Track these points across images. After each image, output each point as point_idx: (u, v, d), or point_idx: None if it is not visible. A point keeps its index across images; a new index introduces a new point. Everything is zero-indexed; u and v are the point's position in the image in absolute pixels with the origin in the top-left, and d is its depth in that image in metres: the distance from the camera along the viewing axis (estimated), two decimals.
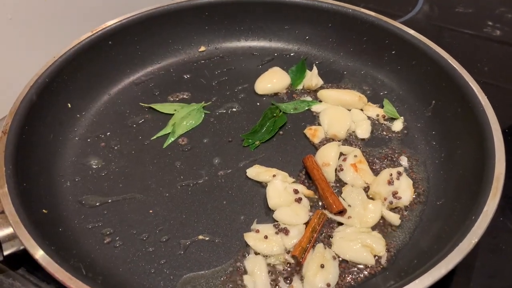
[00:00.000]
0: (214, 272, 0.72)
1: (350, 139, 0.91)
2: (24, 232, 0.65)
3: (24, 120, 0.80)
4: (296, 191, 0.79)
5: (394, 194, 0.78)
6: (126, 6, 1.05)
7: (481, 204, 0.67)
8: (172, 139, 0.92)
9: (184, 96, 1.02)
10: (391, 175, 0.80)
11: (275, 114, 0.96)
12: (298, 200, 0.78)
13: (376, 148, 0.89)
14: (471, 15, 1.37)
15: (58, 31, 1.10)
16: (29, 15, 1.06)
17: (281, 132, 0.93)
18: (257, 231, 0.74)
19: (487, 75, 1.14)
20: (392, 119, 0.95)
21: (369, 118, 0.95)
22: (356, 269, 0.71)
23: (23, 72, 0.93)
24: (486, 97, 0.82)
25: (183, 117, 0.96)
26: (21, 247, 0.67)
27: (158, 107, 0.98)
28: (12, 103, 0.82)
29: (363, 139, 0.91)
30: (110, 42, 0.99)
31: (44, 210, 0.75)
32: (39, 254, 0.63)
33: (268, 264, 0.72)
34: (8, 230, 0.67)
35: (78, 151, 0.89)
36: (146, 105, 0.98)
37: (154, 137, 0.92)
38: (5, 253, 0.68)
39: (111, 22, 1.00)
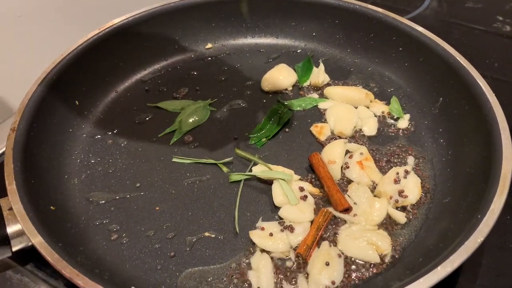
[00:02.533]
0: (219, 268, 0.72)
1: (356, 137, 0.91)
2: (32, 229, 0.65)
3: (32, 117, 0.81)
4: (301, 189, 0.80)
5: (400, 192, 0.78)
6: (133, 4, 1.06)
7: (488, 202, 0.66)
8: (179, 136, 0.92)
9: (191, 93, 1.02)
10: (397, 173, 0.79)
11: (280, 111, 0.96)
12: (304, 197, 0.78)
13: (383, 146, 0.89)
14: (481, 11, 1.36)
15: (65, 29, 1.11)
16: (37, 13, 1.07)
17: (287, 130, 0.93)
18: (263, 228, 0.75)
19: (497, 71, 1.13)
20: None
21: (375, 115, 0.95)
22: (361, 267, 0.71)
23: (31, 69, 0.94)
24: (494, 94, 0.81)
25: (189, 114, 0.96)
26: (29, 243, 0.68)
27: (165, 105, 0.98)
28: (20, 101, 0.83)
29: (369, 137, 0.91)
30: (117, 40, 1.00)
31: (52, 207, 0.76)
32: (46, 251, 0.63)
33: (273, 261, 0.72)
34: (17, 227, 0.68)
35: (86, 148, 0.90)
36: (153, 104, 0.99)
37: (162, 134, 0.93)
38: (14, 249, 0.69)
39: (118, 20, 1.00)
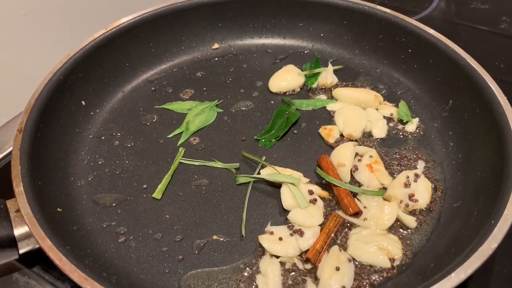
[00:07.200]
0: (227, 271, 0.71)
1: (365, 139, 0.90)
2: (40, 231, 0.65)
3: (39, 118, 0.80)
4: (311, 192, 0.79)
5: (411, 196, 0.77)
6: (140, 3, 1.05)
7: (501, 207, 0.65)
8: (186, 137, 0.92)
9: (197, 94, 1.01)
10: (407, 177, 0.79)
11: (287, 112, 0.95)
12: (313, 201, 0.77)
13: (392, 149, 0.88)
14: (487, 11, 1.35)
15: (72, 28, 1.10)
16: (43, 12, 1.06)
17: (295, 131, 0.92)
18: (272, 233, 0.74)
19: (504, 72, 1.13)
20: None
21: (384, 117, 0.94)
22: (371, 272, 0.70)
23: (38, 69, 0.93)
24: (505, 97, 0.80)
25: (196, 114, 0.96)
26: (37, 246, 0.67)
27: (172, 106, 0.98)
28: (26, 101, 0.82)
29: (379, 139, 0.90)
30: (124, 39, 0.99)
31: (59, 209, 0.75)
32: (54, 254, 0.63)
33: (282, 266, 0.71)
34: (24, 229, 0.68)
35: (92, 149, 0.89)
36: (160, 107, 0.98)
37: (171, 135, 0.92)
38: (21, 251, 0.69)
39: (125, 19, 0.99)
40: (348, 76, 1.04)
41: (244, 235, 0.76)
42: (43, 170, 0.77)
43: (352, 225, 0.76)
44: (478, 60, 0.88)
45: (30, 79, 0.93)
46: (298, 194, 0.77)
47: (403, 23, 0.99)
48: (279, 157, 0.88)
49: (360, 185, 0.81)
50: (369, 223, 0.75)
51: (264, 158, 0.87)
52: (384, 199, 0.78)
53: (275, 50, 1.12)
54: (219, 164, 0.86)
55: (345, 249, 0.73)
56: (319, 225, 0.75)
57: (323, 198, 0.79)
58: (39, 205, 0.69)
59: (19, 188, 0.69)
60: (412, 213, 0.77)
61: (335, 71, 1.03)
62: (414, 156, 0.86)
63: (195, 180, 0.84)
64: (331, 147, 0.89)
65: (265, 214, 0.79)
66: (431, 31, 0.96)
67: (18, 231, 0.68)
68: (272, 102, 0.99)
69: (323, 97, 0.99)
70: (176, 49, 1.08)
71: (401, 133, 0.91)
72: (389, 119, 0.94)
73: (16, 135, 0.76)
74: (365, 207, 0.77)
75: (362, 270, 0.70)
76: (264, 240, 0.73)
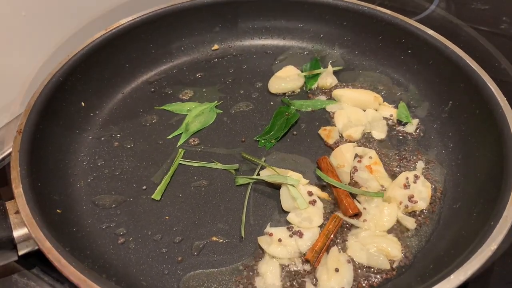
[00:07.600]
0: (226, 273, 0.71)
1: (365, 140, 0.90)
2: (39, 233, 0.65)
3: (38, 119, 0.81)
4: (310, 193, 0.79)
5: (410, 198, 0.77)
6: (140, 4, 1.05)
7: (501, 209, 0.65)
8: (185, 138, 0.92)
9: (197, 95, 1.01)
10: (407, 178, 0.78)
11: (287, 113, 0.95)
12: (313, 202, 0.77)
13: (392, 150, 0.88)
14: (488, 12, 1.35)
15: (72, 29, 1.10)
16: (43, 13, 1.06)
17: (295, 132, 0.92)
18: (271, 234, 0.74)
19: (504, 73, 1.12)
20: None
21: (384, 118, 0.94)
22: (371, 273, 0.70)
23: (37, 70, 0.93)
24: (505, 98, 0.80)
25: (196, 116, 0.96)
26: (36, 247, 0.67)
27: (171, 107, 0.98)
28: (26, 102, 0.82)
29: (378, 140, 0.90)
30: (123, 41, 0.99)
31: (58, 210, 0.75)
32: (53, 256, 0.63)
33: (281, 267, 0.71)
34: (23, 231, 0.67)
35: (92, 151, 0.89)
36: (159, 108, 0.98)
37: (170, 136, 0.92)
38: (20, 253, 0.69)
39: (125, 20, 1.00)
40: (348, 77, 1.04)
41: (243, 236, 0.76)
42: (43, 171, 0.78)
43: (351, 227, 0.76)
44: (478, 60, 0.88)
45: (29, 80, 0.93)
46: (297, 195, 0.77)
47: (403, 24, 0.99)
48: (279, 158, 0.88)
49: (359, 186, 0.81)
50: (369, 225, 0.75)
51: (263, 159, 0.87)
52: (384, 200, 0.78)
53: (275, 51, 1.12)
54: (218, 165, 0.86)
55: (344, 250, 0.73)
56: (318, 227, 0.75)
57: (322, 200, 0.79)
58: (38, 206, 0.69)
59: (18, 189, 0.69)
60: (412, 214, 0.77)
61: (334, 72, 1.03)
62: (414, 157, 0.86)
63: (194, 181, 0.84)
64: (331, 148, 0.88)
65: (265, 216, 0.79)
66: (431, 32, 0.96)
67: (18, 232, 0.68)
68: (271, 103, 0.99)
69: (322, 98, 0.99)
70: (175, 50, 1.08)
71: (400, 134, 0.91)
72: (388, 120, 0.94)
73: (16, 136, 0.76)
74: (364, 208, 0.77)
75: (361, 272, 0.70)
76: (264, 241, 0.73)
